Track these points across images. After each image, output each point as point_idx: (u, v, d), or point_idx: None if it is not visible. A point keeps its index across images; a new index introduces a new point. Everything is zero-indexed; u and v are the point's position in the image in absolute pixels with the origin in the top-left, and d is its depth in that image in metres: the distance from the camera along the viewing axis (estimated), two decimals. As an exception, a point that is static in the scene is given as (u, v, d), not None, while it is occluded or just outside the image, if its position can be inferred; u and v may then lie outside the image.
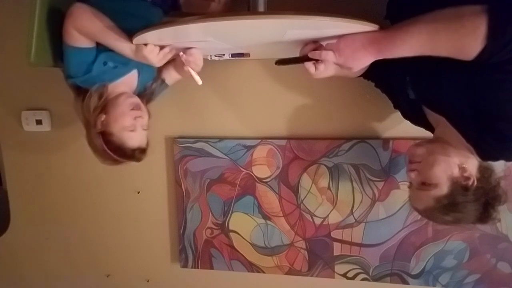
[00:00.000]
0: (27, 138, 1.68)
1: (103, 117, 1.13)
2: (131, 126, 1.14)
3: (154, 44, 1.03)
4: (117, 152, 1.15)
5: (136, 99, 1.20)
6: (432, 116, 1.06)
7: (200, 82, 1.14)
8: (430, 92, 0.98)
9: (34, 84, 1.62)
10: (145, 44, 1.02)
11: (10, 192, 1.76)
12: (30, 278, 1.85)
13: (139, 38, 0.98)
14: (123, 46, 1.06)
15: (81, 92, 1.15)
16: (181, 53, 1.10)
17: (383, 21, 1.04)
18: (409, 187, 1.13)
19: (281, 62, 1.02)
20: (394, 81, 1.11)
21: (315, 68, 0.98)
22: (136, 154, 1.17)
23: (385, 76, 1.13)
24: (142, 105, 1.21)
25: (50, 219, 1.76)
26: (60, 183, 1.71)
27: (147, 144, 1.22)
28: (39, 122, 1.64)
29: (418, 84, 1.02)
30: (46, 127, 1.64)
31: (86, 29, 1.06)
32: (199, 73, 1.15)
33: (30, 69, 1.47)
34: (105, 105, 1.14)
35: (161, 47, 1.05)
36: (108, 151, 1.14)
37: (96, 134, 1.14)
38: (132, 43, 1.04)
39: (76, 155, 1.66)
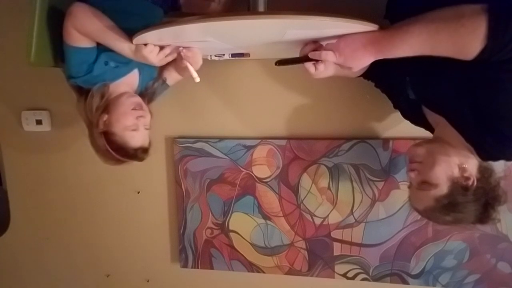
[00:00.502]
0: (27, 138, 1.68)
1: (105, 117, 1.13)
2: (133, 126, 1.14)
3: (154, 44, 1.03)
4: (120, 151, 1.15)
5: (138, 99, 1.20)
6: (432, 116, 1.06)
7: (197, 79, 1.13)
8: (430, 92, 0.98)
9: (34, 84, 1.62)
10: (145, 44, 1.02)
11: (10, 192, 1.76)
12: (30, 278, 1.84)
13: (139, 38, 0.98)
14: (123, 46, 1.06)
15: (82, 92, 1.15)
16: (180, 48, 1.09)
17: (383, 21, 1.05)
18: (409, 187, 1.13)
19: (281, 62, 1.02)
20: (394, 81, 1.11)
21: (315, 68, 0.98)
22: (139, 154, 1.17)
23: (385, 76, 1.13)
24: (144, 105, 1.21)
25: (50, 219, 1.76)
26: (60, 183, 1.71)
27: (149, 143, 1.22)
28: (39, 122, 1.64)
29: (418, 84, 1.02)
30: (46, 127, 1.64)
31: (86, 28, 1.06)
32: (198, 72, 1.15)
33: (30, 69, 1.47)
34: (107, 105, 1.14)
35: (161, 47, 1.05)
36: (111, 151, 1.14)
37: (98, 134, 1.14)
38: (132, 43, 1.03)
39: (76, 155, 1.66)
